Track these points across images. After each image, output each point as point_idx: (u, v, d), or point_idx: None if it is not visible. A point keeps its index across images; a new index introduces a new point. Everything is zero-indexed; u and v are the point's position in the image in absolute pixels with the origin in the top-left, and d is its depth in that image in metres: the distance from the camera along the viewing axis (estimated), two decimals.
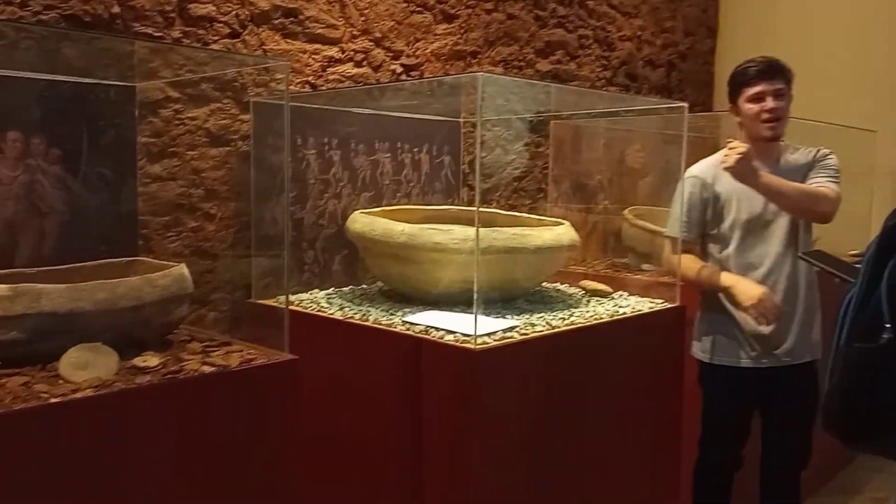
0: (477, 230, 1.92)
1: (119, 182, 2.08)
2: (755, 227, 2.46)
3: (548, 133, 3.53)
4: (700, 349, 2.57)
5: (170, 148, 2.29)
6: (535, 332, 2.00)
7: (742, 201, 2.45)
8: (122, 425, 1.42)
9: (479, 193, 2.03)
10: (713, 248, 2.53)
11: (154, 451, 1.45)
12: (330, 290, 2.57)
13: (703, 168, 2.53)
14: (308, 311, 2.27)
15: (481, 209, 2.84)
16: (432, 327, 1.98)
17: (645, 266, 3.14)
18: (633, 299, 2.51)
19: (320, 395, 2.04)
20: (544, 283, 2.61)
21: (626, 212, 3.29)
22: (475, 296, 1.88)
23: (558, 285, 2.71)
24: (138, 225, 2.16)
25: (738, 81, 2.46)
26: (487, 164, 3.33)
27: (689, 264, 2.48)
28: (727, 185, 2.43)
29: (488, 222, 2.27)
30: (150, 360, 1.59)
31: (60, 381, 1.48)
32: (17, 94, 1.89)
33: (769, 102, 2.38)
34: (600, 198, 3.51)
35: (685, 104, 2.55)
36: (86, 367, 1.52)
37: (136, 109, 2.13)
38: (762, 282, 2.40)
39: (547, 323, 2.07)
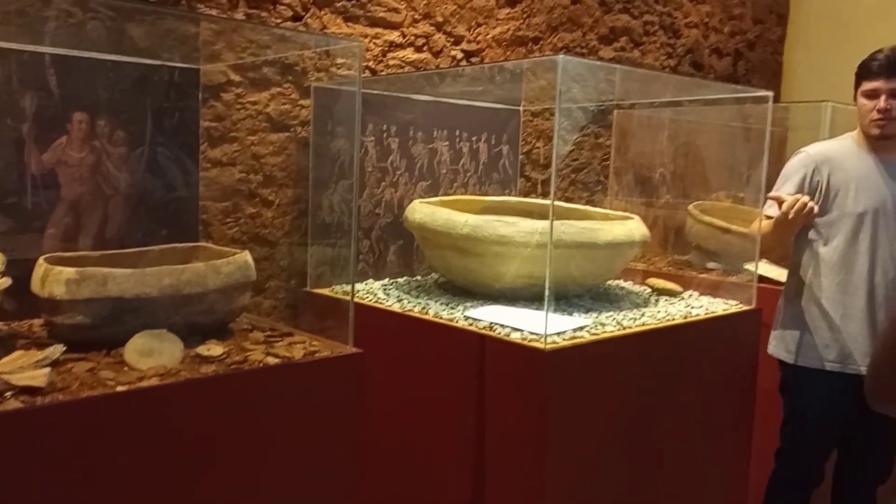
0: (552, 223, 1.90)
1: (181, 166, 2.10)
2: (870, 220, 2.36)
3: (609, 123, 3.49)
4: (784, 349, 2.47)
5: (231, 132, 2.30)
6: (605, 332, 1.98)
7: (861, 191, 2.36)
8: (187, 415, 1.43)
9: (554, 183, 2.00)
10: (814, 237, 2.43)
11: (217, 442, 1.46)
12: (385, 281, 2.57)
13: (821, 150, 2.45)
14: (365, 301, 2.27)
15: (542, 201, 2.83)
16: (497, 324, 1.96)
17: (710, 264, 3.09)
18: (706, 299, 2.47)
19: (377, 389, 2.03)
20: (608, 281, 2.58)
21: (690, 207, 3.24)
22: (546, 292, 1.85)
23: (622, 282, 2.68)
24: (199, 210, 2.17)
25: (859, 72, 2.37)
26: (545, 155, 3.30)
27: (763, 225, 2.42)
28: (847, 171, 2.37)
29: (557, 215, 2.24)
30: (214, 348, 1.60)
31: (125, 368, 1.50)
32: (83, 75, 1.91)
33: (882, 101, 2.30)
34: (662, 191, 3.46)
35: (770, 92, 2.50)
36: (151, 355, 1.54)
37: (200, 93, 2.15)
38: (867, 280, 2.34)
39: (618, 323, 2.04)
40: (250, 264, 1.75)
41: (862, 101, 2.36)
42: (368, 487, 1.73)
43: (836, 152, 2.39)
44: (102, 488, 1.33)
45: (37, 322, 1.74)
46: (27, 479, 1.24)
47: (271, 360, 1.57)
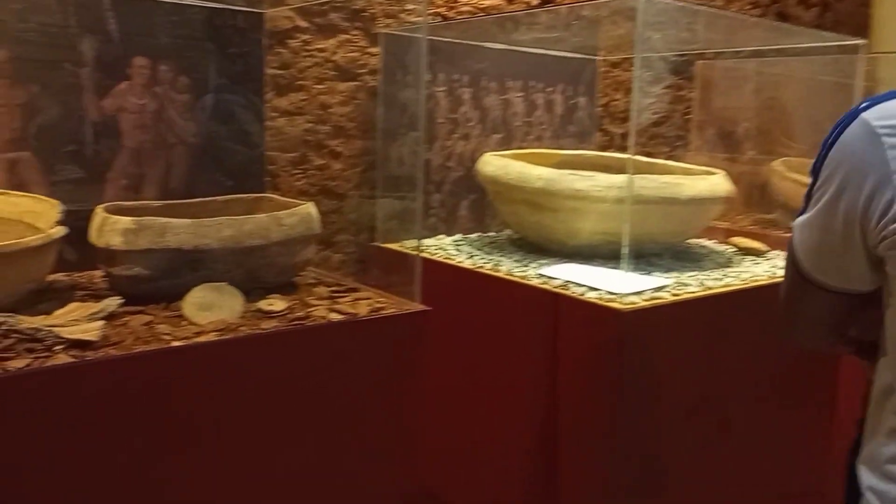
0: (630, 176, 1.75)
1: (246, 115, 2.00)
2: None
3: (691, 75, 3.28)
4: None
5: (297, 81, 2.20)
6: (686, 292, 1.83)
7: None
8: (246, 372, 1.34)
9: (633, 134, 1.84)
10: None
11: (278, 401, 1.37)
12: (457, 237, 2.45)
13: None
14: (435, 257, 2.15)
15: (620, 155, 2.66)
16: (572, 282, 1.82)
17: None
18: None
19: (446, 347, 1.92)
20: (689, 240, 2.42)
21: (776, 163, 3.03)
22: (624, 249, 1.71)
23: (703, 241, 2.51)
24: (265, 161, 2.08)
25: None
26: (622, 108, 3.12)
27: None
28: None
29: (636, 170, 2.09)
30: (276, 303, 1.51)
31: (184, 322, 1.42)
32: (144, 18, 1.81)
33: None
34: (746, 147, 3.25)
35: (863, 40, 2.28)
36: (210, 309, 1.45)
37: (264, 38, 2.04)
38: None
39: (700, 283, 1.89)
40: (314, 216, 1.65)
41: None
42: (432, 450, 1.63)
43: None
44: (154, 447, 1.25)
45: (98, 274, 1.66)
46: (74, 436, 1.17)
47: (335, 317, 1.47)
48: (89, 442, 1.18)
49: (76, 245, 1.60)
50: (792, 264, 1.14)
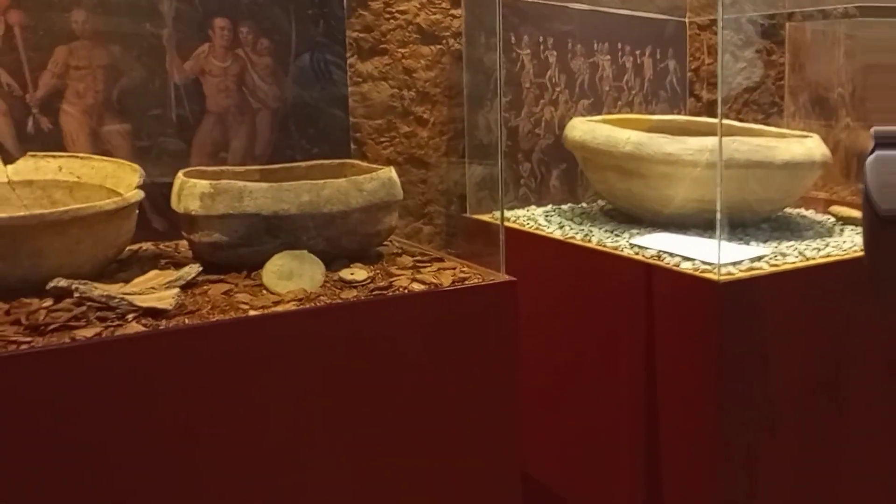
0: (720, 139, 1.57)
1: (330, 79, 1.89)
2: None
3: (782, 38, 3.04)
4: None
5: (381, 44, 2.07)
6: (786, 263, 1.65)
7: None
8: (325, 343, 1.23)
9: (721, 93, 1.68)
10: None
11: (358, 374, 1.26)
12: (548, 207, 2.30)
13: None
14: (525, 228, 2.01)
15: (714, 120, 2.46)
16: (665, 252, 1.66)
17: None
18: None
19: (537, 320, 1.79)
20: (786, 209, 2.22)
21: (873, 130, 2.77)
22: (718, 215, 1.54)
23: (802, 211, 2.30)
24: (350, 127, 1.96)
25: None
26: (714, 73, 2.90)
27: None
28: None
29: (724, 134, 1.91)
30: (358, 272, 1.40)
31: (263, 292, 1.32)
32: None
33: None
34: (843, 113, 3.00)
35: None
36: (290, 277, 1.35)
37: (346, 0, 1.92)
38: None
39: (800, 253, 1.70)
40: (395, 181, 1.53)
41: None
42: (525, 421, 1.50)
43: None
44: (230, 420, 1.15)
45: (184, 243, 1.58)
46: (146, 409, 1.08)
47: (417, 287, 1.35)
48: (160, 414, 1.09)
49: (164, 213, 1.53)
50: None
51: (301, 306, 1.24)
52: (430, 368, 1.34)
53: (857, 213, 2.15)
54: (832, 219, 2.19)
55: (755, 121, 2.98)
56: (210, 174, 1.52)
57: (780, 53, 3.06)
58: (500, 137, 1.87)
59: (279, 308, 1.22)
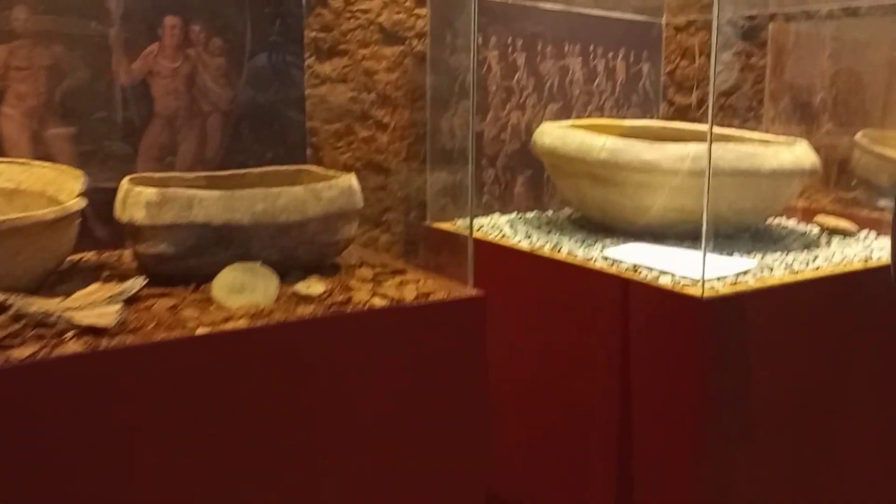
0: (710, 146, 1.57)
1: (286, 81, 1.87)
2: None
3: (762, 40, 3.07)
4: None
5: (340, 45, 2.06)
6: (773, 277, 1.65)
7: None
8: (278, 362, 1.21)
9: (713, 95, 1.68)
10: None
11: (313, 395, 1.24)
12: (513, 215, 2.30)
13: None
14: (489, 238, 2.00)
15: (690, 126, 2.48)
16: (642, 265, 1.66)
17: (883, 202, 2.68)
18: (886, 241, 2.09)
19: (503, 337, 1.78)
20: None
21: (858, 136, 2.81)
22: (704, 226, 1.54)
23: (784, 220, 2.32)
24: (307, 131, 1.94)
25: None
26: (689, 76, 2.93)
27: None
28: None
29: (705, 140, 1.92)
30: (315, 286, 1.38)
31: (212, 307, 1.29)
32: None
33: None
34: (824, 119, 3.04)
35: None
36: (242, 291, 1.32)
37: None
38: None
39: (788, 266, 1.71)
40: (356, 189, 1.51)
41: None
42: (493, 446, 1.49)
43: None
44: (174, 446, 1.13)
45: (129, 252, 1.55)
46: (83, 433, 1.05)
47: (378, 302, 1.34)
48: (99, 441, 1.06)
49: (108, 220, 1.49)
50: None
51: (253, 323, 1.22)
52: (391, 389, 1.32)
53: (845, 224, 2.17)
54: (817, 228, 2.21)
55: (731, 125, 3.01)
56: (157, 181, 1.49)
57: (760, 56, 3.09)
58: (472, 142, 1.86)
59: (229, 325, 1.20)
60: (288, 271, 1.42)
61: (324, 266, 1.51)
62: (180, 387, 1.12)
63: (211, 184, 1.56)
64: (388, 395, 1.32)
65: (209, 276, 1.35)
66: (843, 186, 2.92)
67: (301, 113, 1.91)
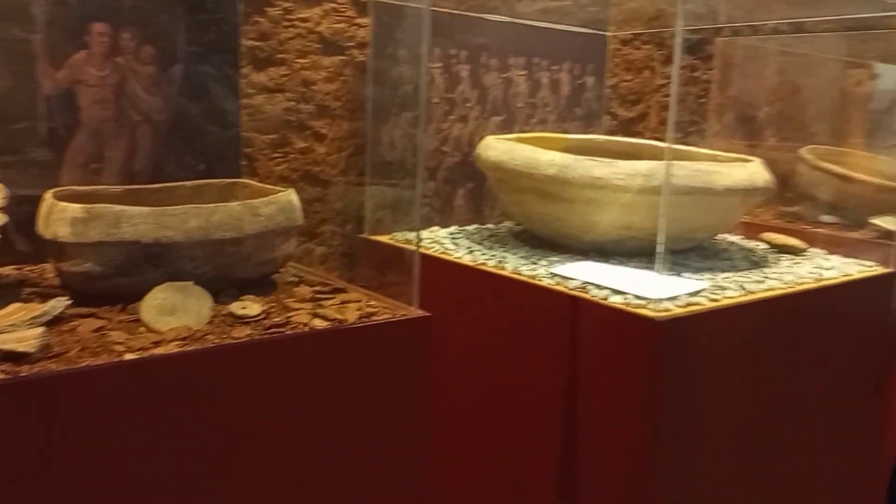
0: (667, 162, 1.58)
1: (220, 90, 1.83)
2: None
3: (707, 54, 3.12)
4: None
5: (277, 54, 2.03)
6: (726, 297, 1.66)
7: None
8: (212, 390, 1.17)
9: (673, 114, 1.69)
10: None
11: (250, 424, 1.21)
12: (453, 229, 2.29)
13: None
14: (430, 252, 1.99)
15: (635, 140, 2.50)
16: (591, 283, 1.66)
17: (825, 217, 2.74)
18: (836, 259, 2.13)
19: (444, 357, 1.76)
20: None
21: (803, 151, 2.87)
22: (659, 247, 1.54)
23: (728, 237, 2.36)
24: (241, 142, 1.91)
25: None
26: (633, 90, 2.96)
27: None
28: None
29: (649, 157, 1.94)
30: (251, 307, 1.34)
31: (141, 329, 1.25)
32: None
33: None
34: (768, 133, 3.10)
35: None
36: (173, 313, 1.28)
37: (240, 5, 1.86)
38: None
39: (740, 286, 1.73)
40: (296, 205, 1.48)
41: None
42: (435, 477, 1.47)
43: None
44: (102, 482, 1.08)
45: (51, 266, 1.49)
46: (4, 471, 1.00)
47: (319, 324, 1.31)
48: (19, 477, 1.01)
49: (30, 235, 1.44)
50: None
51: (184, 347, 1.18)
52: (333, 415, 1.29)
53: (792, 241, 2.20)
54: (764, 245, 2.24)
55: (674, 140, 3.04)
56: (83, 195, 1.44)
57: (704, 70, 3.14)
58: (419, 155, 1.84)
59: (160, 350, 1.16)
60: (222, 290, 1.39)
61: (260, 285, 1.48)
62: (107, 417, 1.07)
63: (140, 198, 1.52)
64: (329, 423, 1.29)
65: (138, 296, 1.31)
66: (786, 201, 2.98)
67: (236, 123, 1.87)
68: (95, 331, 1.22)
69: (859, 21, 2.85)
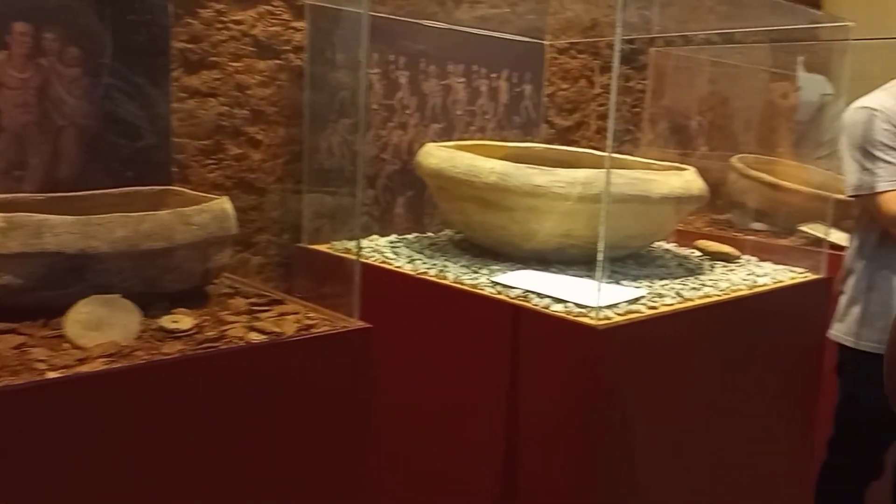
0: (608, 171, 1.56)
1: (150, 94, 1.75)
2: None
3: (640, 64, 3.13)
4: (843, 331, 2.16)
5: (210, 57, 1.95)
6: (665, 304, 1.65)
7: None
8: (141, 410, 1.10)
9: (612, 123, 1.67)
10: None
11: (182, 444, 1.14)
12: (393, 237, 2.24)
13: (881, 100, 2.09)
14: (370, 261, 1.93)
15: (572, 149, 2.49)
16: (532, 292, 1.63)
17: (756, 225, 2.76)
18: (768, 266, 2.14)
19: (385, 367, 1.70)
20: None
21: (734, 160, 2.89)
22: (600, 255, 1.51)
23: (664, 244, 2.35)
24: (172, 148, 1.83)
25: None
26: (570, 98, 2.95)
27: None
28: None
29: (586, 166, 1.92)
30: (183, 320, 1.27)
31: (65, 345, 1.17)
32: None
33: None
34: (700, 142, 3.13)
35: (851, 23, 2.14)
36: (99, 328, 1.21)
37: (171, 6, 1.79)
38: None
39: (677, 293, 1.71)
40: (230, 213, 1.42)
41: None
42: (378, 487, 1.41)
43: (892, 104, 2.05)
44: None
45: None
46: None
47: (255, 338, 1.24)
48: None
49: None
50: None
51: (111, 364, 1.11)
52: (270, 432, 1.23)
53: (725, 249, 2.21)
54: (698, 253, 2.24)
55: (608, 149, 3.04)
56: (3, 204, 1.37)
57: (638, 80, 3.15)
58: (359, 162, 1.78)
59: (84, 367, 1.09)
60: (152, 303, 1.32)
61: (193, 297, 1.41)
62: (28, 439, 1.00)
63: (65, 206, 1.44)
64: (267, 440, 1.22)
65: (62, 311, 1.23)
66: (717, 209, 3.01)
67: (167, 128, 1.79)
68: (16, 347, 1.15)
69: (786, 33, 2.89)
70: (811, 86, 3.13)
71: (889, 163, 2.01)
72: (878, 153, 2.02)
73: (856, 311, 2.11)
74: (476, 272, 1.82)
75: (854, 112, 2.07)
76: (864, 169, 2.01)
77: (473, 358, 1.68)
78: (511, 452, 1.62)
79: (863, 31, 2.17)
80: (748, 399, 1.86)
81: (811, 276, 2.07)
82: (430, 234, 2.34)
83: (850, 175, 2.07)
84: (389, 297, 1.83)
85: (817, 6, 4.09)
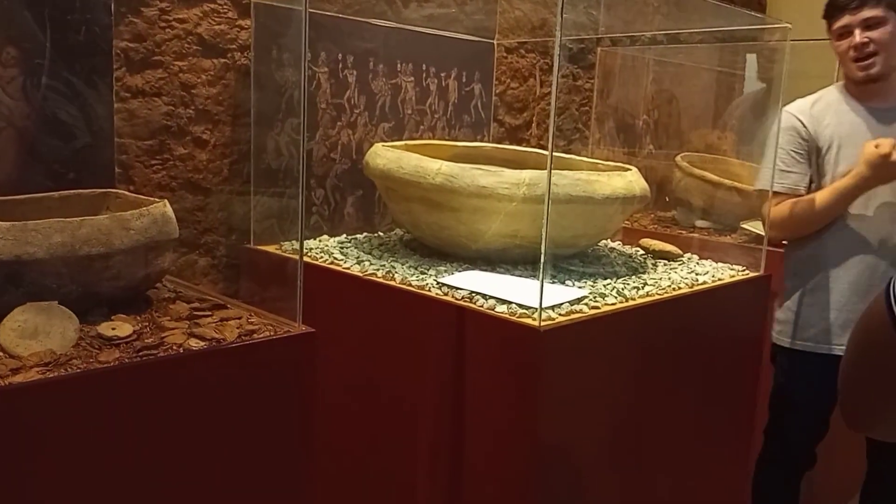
0: (549, 172, 1.54)
1: (91, 94, 1.70)
2: None
3: (588, 63, 3.13)
4: (777, 330, 2.19)
5: (154, 56, 1.90)
6: (607, 304, 1.65)
7: (845, 148, 2.04)
8: (78, 420, 1.06)
9: (553, 125, 1.66)
10: None
11: (121, 455, 1.10)
12: (342, 238, 2.20)
13: (802, 107, 2.13)
14: (319, 262, 1.90)
15: (520, 148, 2.48)
16: (478, 293, 1.61)
17: (699, 222, 2.78)
18: (709, 264, 2.15)
19: (331, 369, 1.68)
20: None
21: (678, 158, 2.91)
22: (543, 256, 1.50)
23: (610, 243, 2.35)
24: (115, 149, 1.78)
25: (826, 13, 2.08)
26: (520, 98, 2.94)
27: (804, 204, 2.07)
28: (831, 128, 2.07)
29: (534, 165, 1.91)
30: (121, 327, 1.23)
31: (0, 354, 1.13)
32: None
33: (856, 37, 1.99)
34: (647, 141, 3.14)
35: (788, 25, 2.15)
36: (35, 336, 1.17)
37: (112, 4, 1.74)
38: (870, 259, 2.04)
39: (619, 293, 1.71)
40: (170, 217, 1.38)
41: (836, 43, 2.07)
42: (324, 492, 1.39)
43: (819, 107, 2.09)
44: None
45: None
46: None
47: (195, 344, 1.21)
48: None
49: None
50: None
51: (47, 374, 1.07)
52: (211, 440, 1.20)
53: (668, 247, 2.21)
54: (642, 252, 2.24)
55: (557, 148, 3.05)
56: None
57: (586, 79, 3.15)
58: (302, 161, 1.74)
59: (19, 377, 1.05)
60: (90, 310, 1.28)
61: (133, 302, 1.37)
62: None
63: (2, 210, 1.39)
64: (207, 448, 1.19)
65: None
66: (662, 207, 3.02)
67: (109, 129, 1.74)
68: None
69: (729, 33, 2.92)
70: (755, 84, 3.17)
71: (790, 171, 2.06)
72: (785, 157, 2.10)
73: (791, 309, 2.15)
74: (423, 273, 1.80)
75: (783, 112, 2.12)
76: (775, 168, 2.09)
77: (419, 359, 1.66)
78: (455, 453, 1.60)
79: (806, 32, 2.20)
80: (690, 396, 1.87)
81: (751, 274, 2.09)
82: (379, 233, 2.32)
83: (763, 170, 2.16)
84: (336, 298, 1.80)
85: (762, 9, 4.14)
